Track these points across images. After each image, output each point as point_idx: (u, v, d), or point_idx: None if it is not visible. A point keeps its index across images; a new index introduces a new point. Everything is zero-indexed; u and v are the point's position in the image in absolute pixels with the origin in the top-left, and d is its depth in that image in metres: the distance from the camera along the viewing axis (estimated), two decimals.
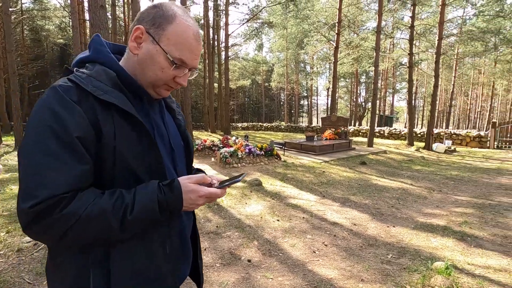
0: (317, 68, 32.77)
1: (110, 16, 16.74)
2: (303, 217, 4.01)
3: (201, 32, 28.31)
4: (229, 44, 17.06)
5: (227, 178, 0.84)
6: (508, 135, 14.04)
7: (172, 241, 0.78)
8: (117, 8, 19.89)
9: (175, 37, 0.72)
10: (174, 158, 0.83)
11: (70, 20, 11.61)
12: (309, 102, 41.23)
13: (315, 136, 11.20)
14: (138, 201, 0.65)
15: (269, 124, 26.11)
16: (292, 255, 2.93)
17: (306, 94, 43.32)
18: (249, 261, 2.78)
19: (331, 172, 7.24)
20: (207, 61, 20.89)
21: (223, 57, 20.79)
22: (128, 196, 0.65)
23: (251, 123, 28.31)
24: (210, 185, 0.79)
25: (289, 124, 24.97)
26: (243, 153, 7.59)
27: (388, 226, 3.78)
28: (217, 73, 21.28)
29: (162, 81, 0.75)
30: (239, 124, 29.88)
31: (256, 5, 17.25)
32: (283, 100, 42.77)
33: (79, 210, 0.60)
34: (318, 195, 5.18)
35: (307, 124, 26.58)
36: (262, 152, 7.97)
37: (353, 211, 4.39)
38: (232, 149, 7.50)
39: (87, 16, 14.01)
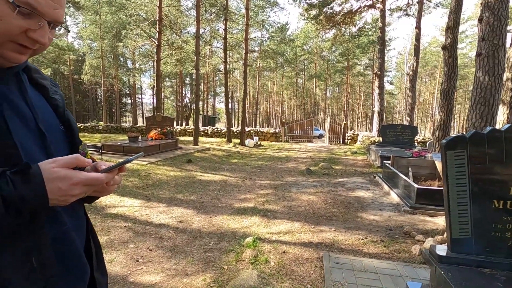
0: (139, 64, 30.85)
1: None
2: (125, 226, 3.63)
3: None
4: None
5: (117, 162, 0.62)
6: (292, 131, 19.10)
7: (42, 253, 0.56)
8: None
9: None
10: (47, 144, 0.61)
11: None
12: (132, 100, 38.21)
13: (140, 137, 10.52)
14: None
15: (83, 124, 21.98)
16: (110, 271, 2.57)
17: (128, 92, 39.87)
18: None
19: (158, 173, 7.04)
20: None
21: None
22: None
23: None
24: (95, 169, 0.61)
25: (109, 124, 22.10)
26: None
27: (211, 217, 4.12)
28: None
29: (5, 37, 0.52)
30: None
31: None
32: (100, 97, 37.21)
33: None
34: (143, 199, 4.87)
35: (131, 124, 24.53)
36: None
37: (180, 208, 4.47)
38: None
39: None
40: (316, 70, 36.67)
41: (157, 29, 13.77)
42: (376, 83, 15.97)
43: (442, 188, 4.38)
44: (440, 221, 3.83)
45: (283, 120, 20.45)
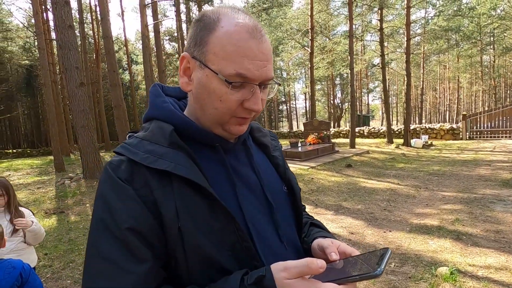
0: (293, 73, 33.31)
1: (78, 34, 16.22)
2: None
3: (174, 45, 27.90)
4: None
5: (357, 253, 0.55)
6: (478, 125, 14.85)
7: None
8: (85, 25, 19.29)
9: (221, 46, 0.52)
10: (274, 214, 0.61)
11: (36, 40, 11.05)
12: (288, 107, 41.76)
13: (299, 142, 11.26)
14: None
15: None
16: None
17: (284, 99, 43.87)
18: None
19: (319, 178, 7.24)
20: None
21: None
22: None
23: None
24: (323, 252, 0.55)
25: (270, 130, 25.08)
26: None
27: (384, 232, 3.78)
28: None
29: (226, 114, 0.55)
30: None
31: None
32: None
33: None
34: (311, 205, 5.12)
35: (288, 129, 26.86)
36: None
37: (348, 218, 4.37)
38: None
39: (53, 35, 13.43)
40: None
41: (310, 37, 14.37)
42: None
43: None
44: None
45: (463, 112, 16.23)
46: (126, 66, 28.11)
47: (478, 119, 14.87)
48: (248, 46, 0.52)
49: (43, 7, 15.06)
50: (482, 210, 4.28)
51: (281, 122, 50.49)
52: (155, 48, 14.51)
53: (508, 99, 32.28)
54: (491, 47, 30.79)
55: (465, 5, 22.99)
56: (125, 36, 23.02)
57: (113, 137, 23.43)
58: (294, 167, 8.61)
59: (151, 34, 17.29)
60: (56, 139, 9.85)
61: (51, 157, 11.80)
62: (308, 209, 4.88)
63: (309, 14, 14.53)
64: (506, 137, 14.10)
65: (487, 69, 31.77)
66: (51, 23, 14.44)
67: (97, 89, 20.65)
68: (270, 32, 24.35)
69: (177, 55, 25.56)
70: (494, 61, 31.08)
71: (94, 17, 20.17)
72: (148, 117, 0.62)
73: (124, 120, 10.20)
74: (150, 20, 13.92)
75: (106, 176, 0.53)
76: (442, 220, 4.02)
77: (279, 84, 0.66)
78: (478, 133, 14.78)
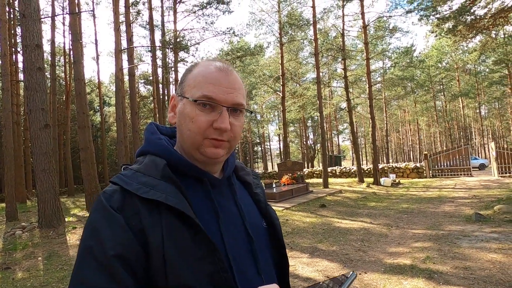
0: (266, 116, 34.55)
1: (49, 76, 15.96)
2: None
3: (149, 88, 28.39)
4: None
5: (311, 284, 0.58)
6: (439, 164, 15.90)
7: None
8: (57, 67, 19.16)
9: (193, 79, 0.62)
10: (254, 249, 0.62)
11: (0, 81, 10.71)
12: (262, 148, 42.42)
13: (274, 183, 11.26)
14: None
15: None
16: None
17: (259, 141, 44.69)
18: None
19: (294, 219, 7.15)
20: (157, 116, 20.64)
21: None
22: None
23: None
24: None
25: None
26: None
27: (360, 273, 3.70)
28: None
29: (199, 135, 0.59)
30: None
31: None
32: (237, 149, 43.34)
33: None
34: (286, 248, 4.96)
35: (263, 170, 26.92)
36: None
37: (323, 261, 4.26)
38: None
39: (22, 77, 13.14)
40: (461, 88, 30.49)
41: (281, 83, 15.27)
42: None
43: None
44: None
45: (425, 152, 17.44)
46: (98, 108, 27.66)
47: (438, 158, 15.99)
48: (214, 76, 0.60)
49: (13, 49, 14.89)
50: (450, 247, 4.38)
51: (256, 163, 50.73)
52: (129, 91, 14.59)
53: (462, 139, 35.37)
54: (442, 94, 34.51)
55: (415, 58, 26.09)
56: (98, 78, 22.99)
57: (78, 181, 21.98)
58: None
59: (126, 77, 17.52)
60: (11, 184, 9.02)
61: (3, 205, 10.70)
62: None
63: (280, 63, 15.65)
64: (464, 174, 15.15)
65: (440, 113, 35.15)
66: (21, 65, 14.20)
67: (65, 131, 19.84)
68: (244, 78, 25.63)
69: (151, 98, 25.74)
70: (446, 106, 34.57)
71: (67, 60, 20.16)
72: (143, 151, 0.66)
73: (92, 162, 9.70)
74: (125, 64, 14.18)
75: (99, 204, 0.55)
76: (414, 258, 4.04)
77: (251, 112, 0.71)
78: (440, 171, 15.79)
